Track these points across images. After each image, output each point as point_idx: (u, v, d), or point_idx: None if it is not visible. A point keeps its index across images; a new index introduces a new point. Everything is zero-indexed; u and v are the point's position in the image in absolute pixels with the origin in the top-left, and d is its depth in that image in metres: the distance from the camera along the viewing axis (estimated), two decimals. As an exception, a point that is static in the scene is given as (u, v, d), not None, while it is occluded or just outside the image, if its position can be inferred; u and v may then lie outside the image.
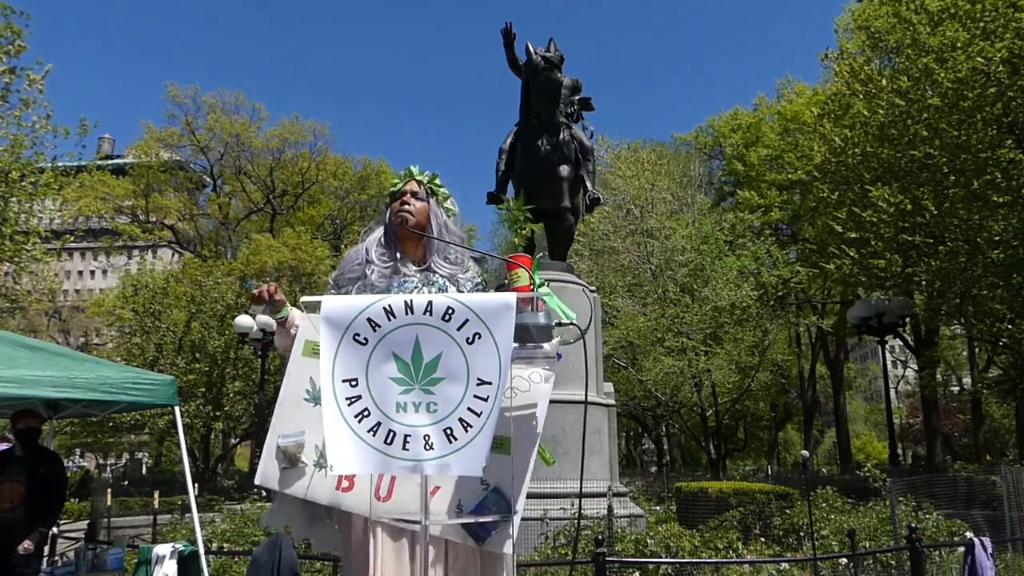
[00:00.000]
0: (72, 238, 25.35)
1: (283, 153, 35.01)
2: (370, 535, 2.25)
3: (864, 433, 54.34)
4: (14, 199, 14.20)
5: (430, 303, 1.98)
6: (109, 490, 15.00)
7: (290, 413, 2.25)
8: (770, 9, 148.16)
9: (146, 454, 44.49)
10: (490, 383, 1.94)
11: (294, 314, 2.45)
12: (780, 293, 24.56)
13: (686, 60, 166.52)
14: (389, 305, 1.98)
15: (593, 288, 10.31)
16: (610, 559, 5.74)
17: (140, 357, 23.76)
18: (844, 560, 6.89)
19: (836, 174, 14.98)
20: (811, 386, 34.57)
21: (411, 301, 1.98)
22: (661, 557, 6.47)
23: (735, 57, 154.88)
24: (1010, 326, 13.36)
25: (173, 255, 45.43)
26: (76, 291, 68.88)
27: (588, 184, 9.96)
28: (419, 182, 2.65)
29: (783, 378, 33.66)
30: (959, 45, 11.66)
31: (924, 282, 14.58)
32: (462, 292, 2.56)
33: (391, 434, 1.94)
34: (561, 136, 9.80)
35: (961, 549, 6.69)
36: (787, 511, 8.95)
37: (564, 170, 9.75)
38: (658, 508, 13.54)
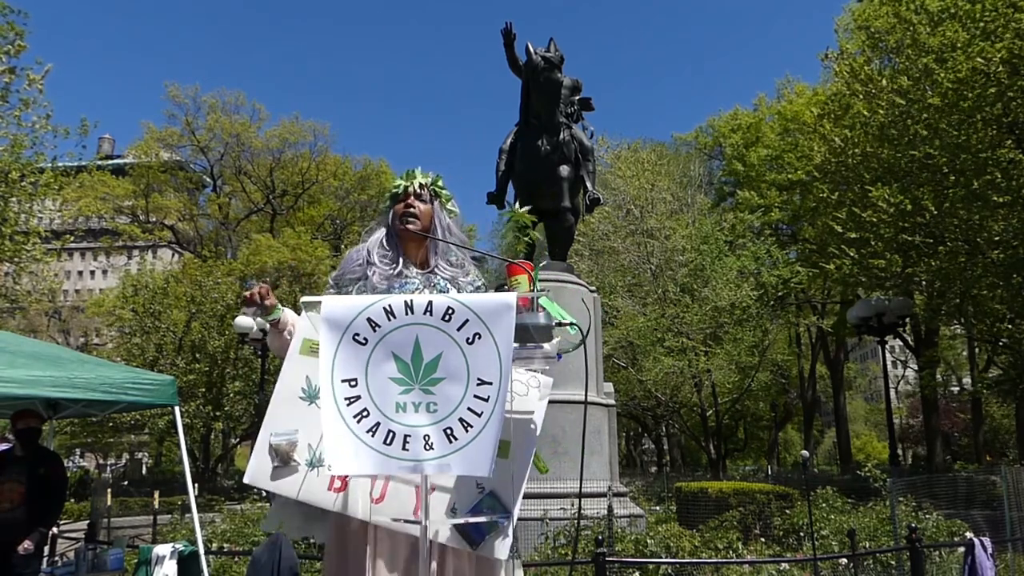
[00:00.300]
0: (72, 238, 25.35)
1: (283, 153, 35.02)
2: (366, 537, 2.25)
3: (864, 433, 54.34)
4: (14, 199, 14.19)
5: (430, 303, 1.97)
6: (109, 490, 15.00)
7: (284, 411, 2.23)
8: (770, 9, 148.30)
9: (146, 454, 44.48)
10: (490, 383, 1.93)
11: (287, 316, 2.42)
12: (780, 293, 24.56)
13: (686, 60, 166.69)
14: (389, 305, 1.98)
15: (593, 288, 10.31)
16: (610, 559, 5.74)
17: (140, 357, 23.76)
18: (844, 560, 6.89)
19: (836, 174, 14.98)
20: (811, 386, 34.58)
21: (411, 301, 1.98)
22: (661, 557, 6.47)
23: (735, 57, 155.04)
24: (1010, 326, 13.36)
25: (173, 255, 45.45)
26: (76, 291, 68.88)
27: (588, 184, 9.96)
28: (423, 184, 2.65)
29: (783, 378, 33.66)
30: (959, 45, 11.65)
31: (924, 282, 14.58)
32: (462, 293, 2.55)
33: (391, 434, 1.93)
34: (561, 136, 9.80)
35: (961, 549, 6.69)
36: (787, 511, 8.95)
37: (564, 170, 9.75)
38: (658, 508, 13.54)
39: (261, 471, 2.20)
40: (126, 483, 28.17)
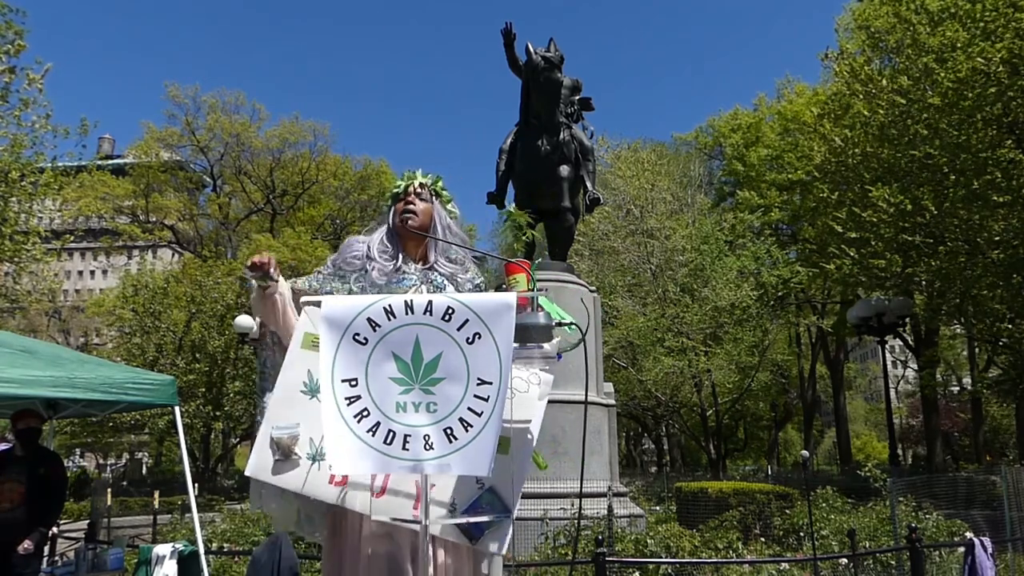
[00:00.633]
0: (72, 238, 25.34)
1: (283, 153, 35.03)
2: (363, 530, 2.26)
3: (864, 433, 54.34)
4: (14, 199, 14.18)
5: (430, 303, 1.97)
6: (109, 490, 14.99)
7: (285, 405, 2.24)
8: (770, 9, 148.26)
9: (146, 454, 44.47)
10: (490, 383, 1.94)
11: (281, 284, 2.43)
12: (780, 293, 24.56)
13: (686, 60, 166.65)
14: (389, 305, 1.98)
15: (593, 288, 10.31)
16: (610, 559, 5.75)
17: (140, 357, 23.75)
18: (844, 560, 6.90)
19: (836, 174, 14.98)
20: (811, 386, 34.58)
21: (411, 301, 1.98)
22: (661, 557, 6.47)
23: (735, 57, 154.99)
24: (1010, 326, 13.36)
25: (173, 255, 45.45)
26: (76, 291, 68.87)
27: (588, 184, 9.96)
28: (423, 184, 2.67)
29: (783, 378, 33.66)
30: (959, 45, 11.66)
31: (924, 282, 14.58)
32: (461, 292, 2.56)
33: (391, 434, 1.93)
34: (561, 136, 9.80)
35: (961, 549, 6.69)
36: (787, 511, 8.95)
37: (564, 170, 9.75)
38: (658, 508, 13.55)
39: (262, 465, 2.21)
40: (126, 483, 28.18)
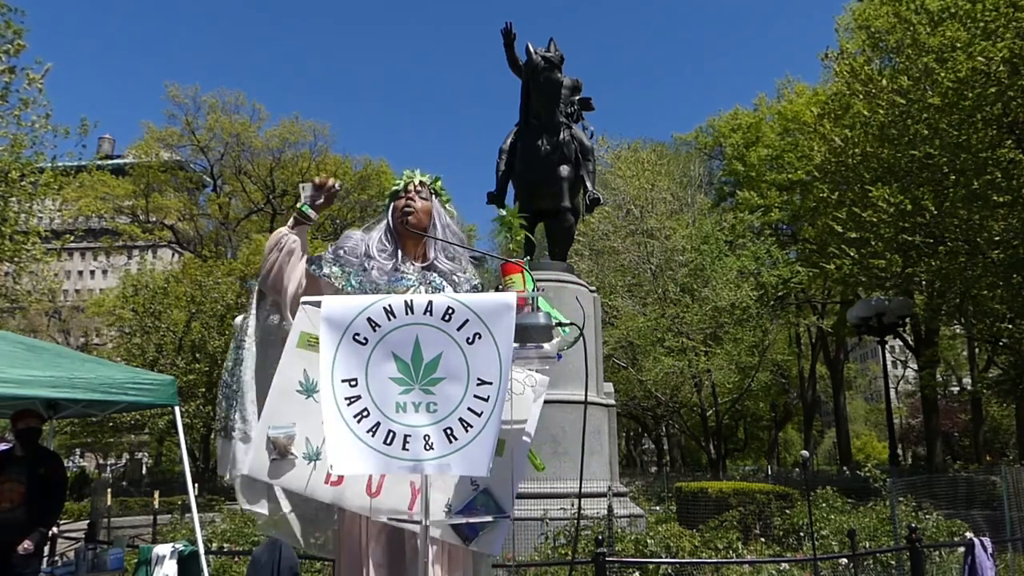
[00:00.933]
0: (72, 238, 25.33)
1: (283, 153, 35.03)
2: (361, 531, 2.26)
3: (864, 433, 54.34)
4: (14, 199, 14.16)
5: (430, 303, 1.97)
6: (109, 490, 14.99)
7: (281, 404, 2.23)
8: (770, 9, 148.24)
9: (146, 454, 44.46)
10: (490, 383, 1.93)
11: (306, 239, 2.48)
12: (780, 293, 24.57)
13: (686, 60, 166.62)
14: (389, 305, 1.98)
15: (593, 288, 10.31)
16: (610, 559, 5.74)
17: (140, 357, 23.75)
18: (844, 560, 6.89)
19: (836, 174, 14.98)
20: (811, 386, 34.57)
21: (411, 301, 1.98)
22: (661, 557, 6.47)
23: (735, 57, 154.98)
24: (1010, 326, 13.36)
25: (173, 255, 45.46)
26: (76, 291, 68.85)
27: (588, 184, 9.95)
28: (422, 182, 2.68)
29: (783, 378, 33.66)
30: (959, 45, 11.66)
31: (924, 282, 14.59)
32: (459, 292, 2.56)
33: (391, 434, 1.93)
34: (561, 136, 9.79)
35: (961, 549, 6.68)
36: (787, 511, 8.95)
37: (564, 170, 9.75)
38: (658, 508, 13.54)
39: (259, 465, 2.21)
40: (126, 483, 28.17)
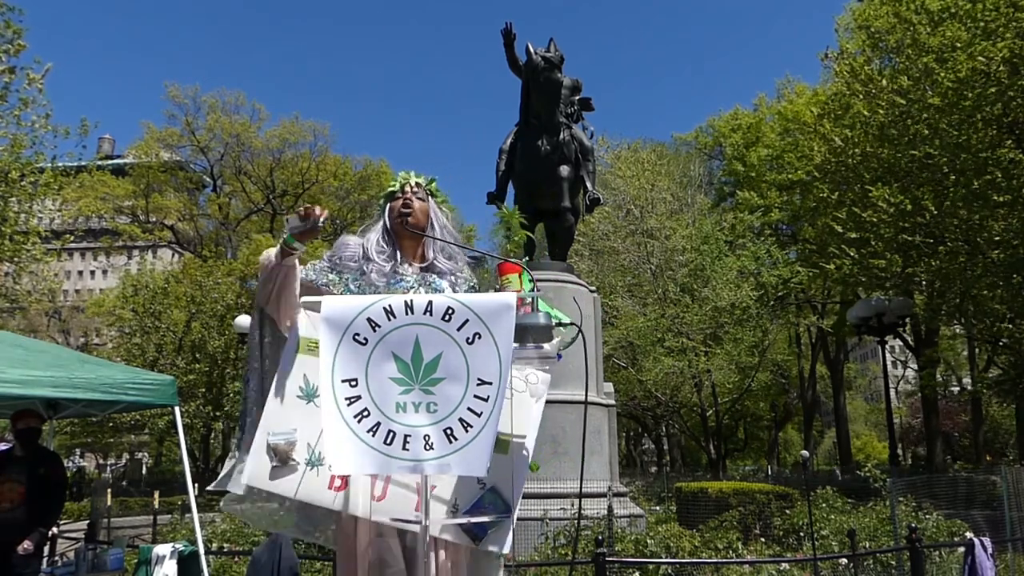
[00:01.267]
0: (72, 238, 25.32)
1: (283, 153, 35.00)
2: (362, 535, 2.25)
3: (864, 433, 54.32)
4: (14, 199, 14.16)
5: (430, 303, 1.97)
6: (109, 490, 14.98)
7: (281, 410, 2.22)
8: (770, 9, 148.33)
9: (146, 454, 44.46)
10: (490, 383, 1.93)
11: (299, 268, 2.39)
12: (780, 293, 24.56)
13: (686, 60, 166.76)
14: (389, 305, 1.98)
15: (593, 288, 10.31)
16: (610, 559, 5.74)
17: (140, 357, 23.74)
18: (844, 560, 6.89)
19: (836, 174, 14.97)
20: (811, 386, 34.56)
21: (411, 301, 1.98)
22: (661, 557, 6.47)
23: (735, 57, 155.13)
24: (1010, 326, 13.35)
25: (173, 255, 45.45)
26: (76, 291, 68.84)
27: (588, 184, 9.95)
28: (418, 183, 2.67)
29: (783, 378, 33.65)
30: (959, 45, 11.65)
31: (924, 282, 14.58)
32: (457, 292, 2.56)
33: (391, 434, 1.93)
34: (561, 136, 9.79)
35: (961, 549, 6.68)
36: (787, 511, 8.95)
37: (564, 170, 9.74)
38: (658, 508, 13.54)
39: (259, 471, 2.19)
40: (126, 483, 28.16)
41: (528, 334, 2.12)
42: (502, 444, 2.27)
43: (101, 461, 47.64)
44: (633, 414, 32.01)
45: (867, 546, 7.43)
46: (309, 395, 2.22)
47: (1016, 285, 12.12)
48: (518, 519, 2.34)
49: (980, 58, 11.17)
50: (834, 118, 15.48)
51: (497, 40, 10.00)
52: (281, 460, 2.18)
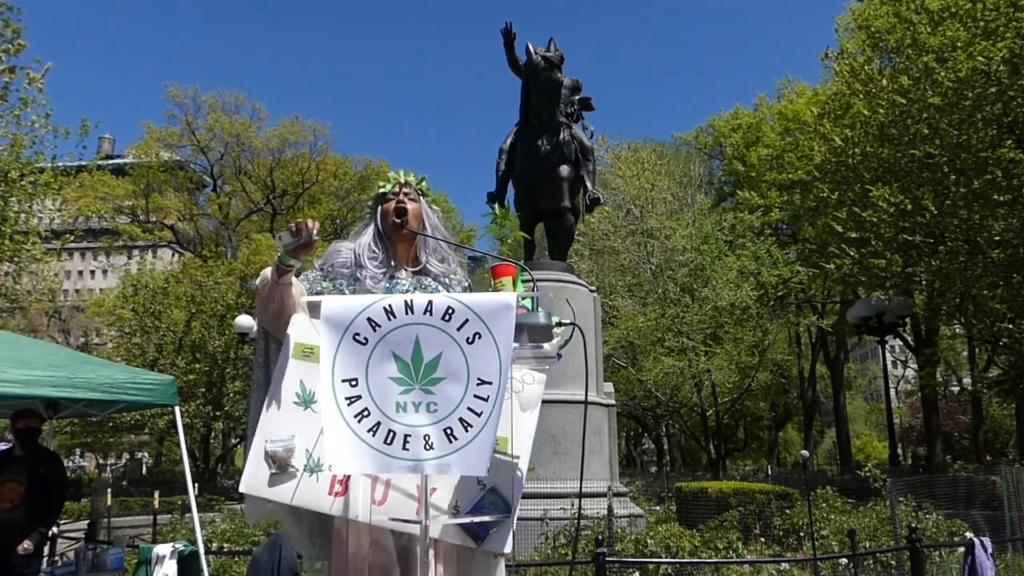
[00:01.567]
0: (72, 238, 25.26)
1: (283, 153, 35.01)
2: (360, 539, 2.23)
3: (864, 433, 54.33)
4: (14, 199, 14.15)
5: (430, 303, 1.97)
6: (109, 490, 14.97)
7: (278, 417, 2.20)
8: (770, 9, 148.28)
9: (146, 454, 44.47)
10: (490, 383, 1.93)
11: (296, 286, 2.33)
12: (780, 293, 24.56)
13: (686, 60, 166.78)
14: (389, 305, 1.98)
15: (593, 288, 10.31)
16: (610, 559, 5.74)
17: (140, 357, 23.73)
18: (844, 560, 6.89)
19: (836, 174, 14.97)
20: (811, 386, 34.57)
21: (411, 301, 1.98)
22: (661, 557, 6.47)
23: (735, 57, 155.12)
24: (1010, 326, 13.35)
25: (173, 255, 45.44)
26: (76, 291, 68.83)
27: (588, 184, 9.95)
28: (408, 183, 2.63)
29: (783, 378, 33.66)
30: (960, 45, 11.65)
31: (924, 282, 14.58)
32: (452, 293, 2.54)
33: (391, 434, 1.93)
34: (561, 136, 9.79)
35: (961, 549, 6.69)
36: (787, 511, 8.95)
37: (564, 170, 9.75)
38: (658, 508, 13.54)
39: (258, 479, 2.16)
40: (126, 483, 28.15)
41: (528, 334, 2.11)
42: (502, 444, 2.26)
43: (101, 461, 47.64)
44: (633, 414, 32.02)
45: (867, 546, 7.43)
46: (306, 401, 2.21)
47: (1016, 285, 12.11)
48: (518, 519, 2.33)
49: (980, 58, 11.17)
50: (834, 118, 15.48)
51: (497, 40, 10.01)
52: (280, 467, 2.16)
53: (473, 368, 1.94)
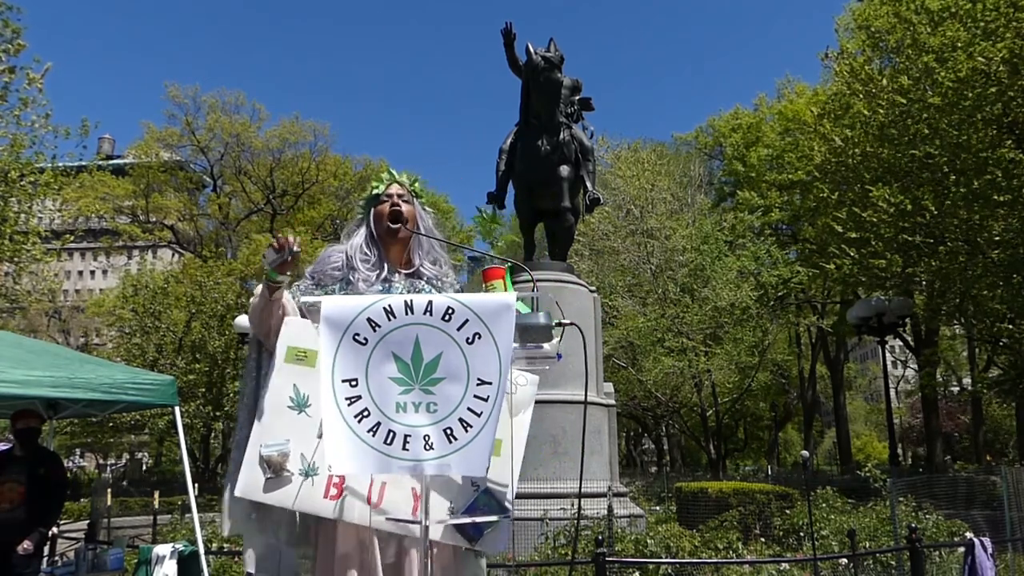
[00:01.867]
0: (72, 238, 25.28)
1: (283, 153, 34.99)
2: (355, 541, 2.21)
3: (864, 433, 54.33)
4: (14, 199, 14.15)
5: (430, 303, 1.97)
6: (109, 490, 14.97)
7: (273, 421, 2.18)
8: (770, 9, 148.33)
9: (146, 454, 44.47)
10: (490, 383, 1.93)
11: (286, 298, 2.31)
12: (780, 293, 24.56)
13: (686, 60, 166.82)
14: (389, 305, 1.98)
15: (593, 288, 10.31)
16: (610, 559, 5.74)
17: (140, 357, 23.73)
18: (844, 560, 6.89)
19: (836, 174, 14.97)
20: (811, 386, 34.56)
21: (411, 301, 1.98)
22: (661, 557, 6.47)
23: (735, 57, 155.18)
24: (1010, 326, 13.34)
25: (173, 255, 45.43)
26: (76, 291, 68.83)
27: (588, 184, 9.95)
28: (401, 184, 2.59)
29: (783, 378, 33.66)
30: (960, 45, 11.65)
31: (924, 282, 14.58)
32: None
33: (391, 434, 1.93)
34: (561, 136, 9.79)
35: (961, 549, 6.69)
36: (787, 511, 8.95)
37: (564, 170, 9.74)
38: (658, 508, 13.54)
39: (253, 484, 2.15)
40: (126, 483, 28.16)
41: (528, 334, 2.11)
42: (497, 446, 2.26)
43: (101, 461, 47.65)
44: (633, 414, 32.02)
45: (867, 546, 7.43)
46: (300, 405, 2.20)
47: (1016, 285, 12.12)
48: (518, 519, 2.34)
49: (980, 58, 11.17)
50: (834, 118, 15.48)
51: (497, 40, 10.01)
52: (275, 471, 2.15)
53: (473, 368, 1.94)
